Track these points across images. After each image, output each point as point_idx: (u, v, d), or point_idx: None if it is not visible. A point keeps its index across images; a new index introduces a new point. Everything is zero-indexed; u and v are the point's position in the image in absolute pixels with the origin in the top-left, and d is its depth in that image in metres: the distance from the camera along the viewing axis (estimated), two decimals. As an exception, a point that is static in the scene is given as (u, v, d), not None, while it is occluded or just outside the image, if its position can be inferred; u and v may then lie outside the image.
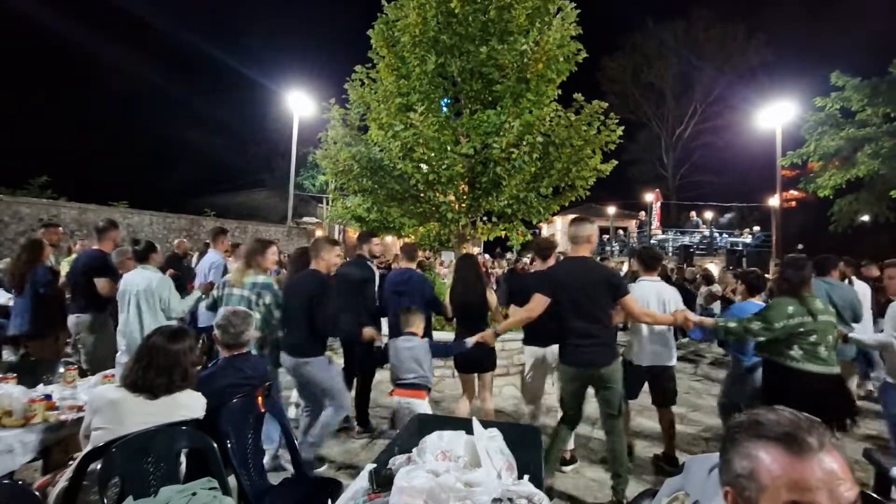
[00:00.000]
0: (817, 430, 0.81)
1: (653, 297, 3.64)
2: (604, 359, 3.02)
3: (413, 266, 4.38)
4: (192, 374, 2.25)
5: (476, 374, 3.83)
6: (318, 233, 20.14)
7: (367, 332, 3.71)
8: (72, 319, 4.26)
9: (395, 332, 4.01)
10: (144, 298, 3.89)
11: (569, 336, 3.03)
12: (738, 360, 3.85)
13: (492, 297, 3.93)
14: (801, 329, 2.90)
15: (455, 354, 3.69)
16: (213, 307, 3.70)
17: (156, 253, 4.17)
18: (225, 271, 4.97)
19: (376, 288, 4.39)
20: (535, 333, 3.80)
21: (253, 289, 3.58)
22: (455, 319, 4.05)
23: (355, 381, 4.31)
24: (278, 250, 4.27)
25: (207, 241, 5.58)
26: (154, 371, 2.11)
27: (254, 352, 3.26)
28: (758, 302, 3.85)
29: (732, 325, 3.11)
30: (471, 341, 3.32)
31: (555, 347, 3.65)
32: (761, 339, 3.05)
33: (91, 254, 4.39)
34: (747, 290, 4.00)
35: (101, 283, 4.16)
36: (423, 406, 3.08)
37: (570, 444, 3.66)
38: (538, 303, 3.03)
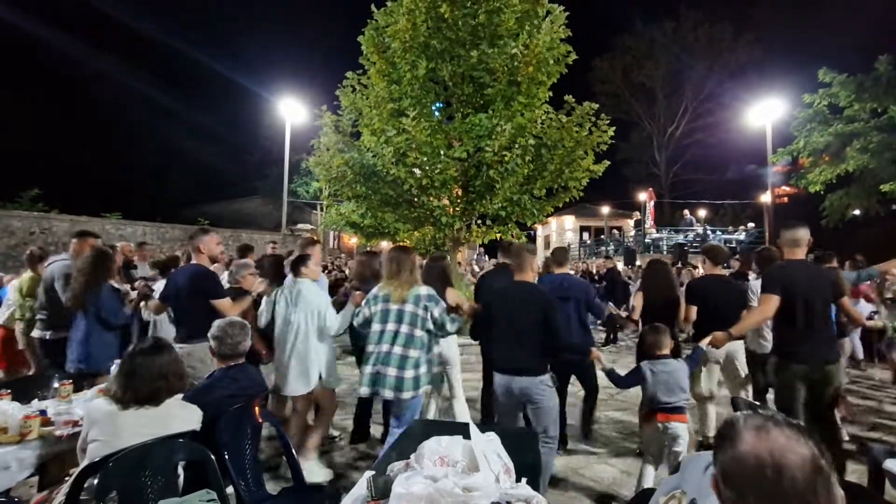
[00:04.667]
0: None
1: None
2: (834, 355, 3.16)
3: (566, 271, 4.19)
4: (178, 385, 2.25)
5: None
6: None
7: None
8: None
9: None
10: (307, 315, 3.49)
11: (797, 334, 3.10)
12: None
13: (681, 301, 3.96)
14: None
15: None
16: (367, 325, 3.27)
17: (308, 265, 3.74)
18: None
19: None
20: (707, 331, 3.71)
21: (418, 303, 3.11)
22: (641, 322, 3.99)
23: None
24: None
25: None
26: (140, 381, 2.11)
27: (423, 371, 3.09)
28: None
29: None
30: (704, 344, 3.32)
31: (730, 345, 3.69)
32: None
33: (198, 271, 3.56)
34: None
35: (224, 306, 3.46)
36: (686, 430, 2.99)
37: None
38: (771, 303, 3.09)
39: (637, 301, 4.08)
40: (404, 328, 3.09)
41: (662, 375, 3.03)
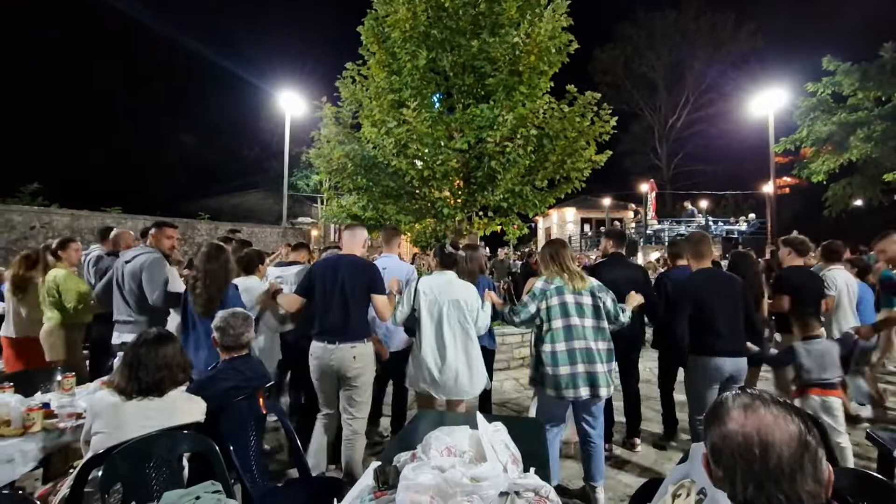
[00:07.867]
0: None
1: (844, 285, 4.16)
2: None
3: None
4: (182, 376, 2.24)
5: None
6: (314, 233, 20.07)
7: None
8: None
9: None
10: (458, 311, 3.22)
11: None
12: None
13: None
14: None
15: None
16: (531, 320, 3.04)
17: (458, 260, 3.45)
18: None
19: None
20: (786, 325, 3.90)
21: (594, 294, 2.98)
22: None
23: None
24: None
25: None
26: (143, 371, 2.11)
27: (604, 365, 2.85)
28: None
29: None
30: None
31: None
32: None
33: (359, 262, 3.31)
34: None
35: (383, 302, 3.25)
36: (840, 404, 3.21)
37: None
38: None
39: None
40: (592, 321, 2.92)
41: (817, 354, 3.25)
